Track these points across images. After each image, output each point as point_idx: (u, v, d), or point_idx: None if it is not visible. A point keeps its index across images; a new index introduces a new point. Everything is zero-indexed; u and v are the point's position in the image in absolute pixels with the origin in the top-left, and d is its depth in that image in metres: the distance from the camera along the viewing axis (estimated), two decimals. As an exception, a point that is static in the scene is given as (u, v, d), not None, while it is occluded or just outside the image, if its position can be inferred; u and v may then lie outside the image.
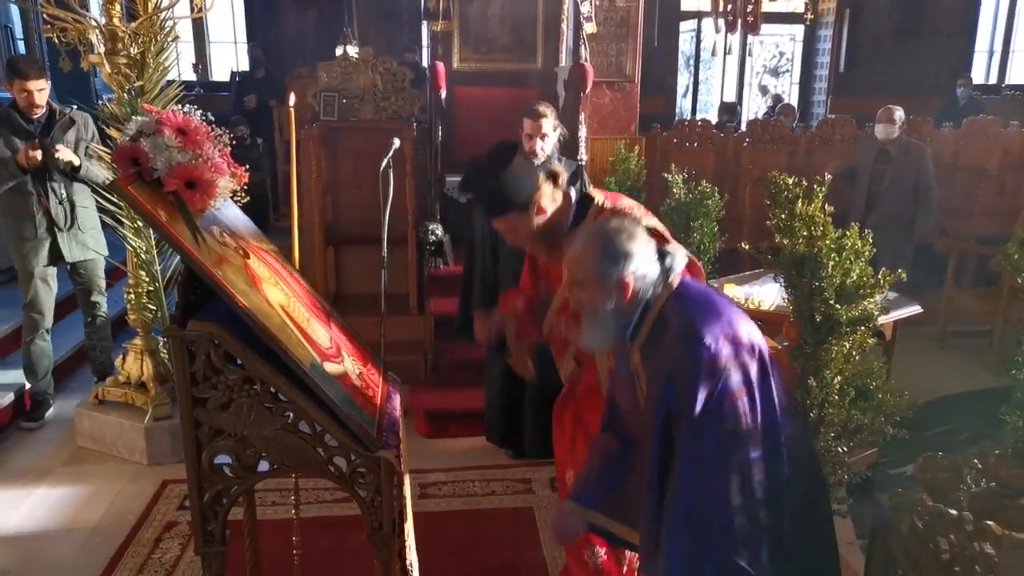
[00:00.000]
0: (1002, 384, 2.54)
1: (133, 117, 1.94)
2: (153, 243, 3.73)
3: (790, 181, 2.58)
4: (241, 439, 1.76)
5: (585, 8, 5.22)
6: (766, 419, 1.69)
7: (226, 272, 1.74)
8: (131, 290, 3.81)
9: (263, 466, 1.81)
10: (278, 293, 1.94)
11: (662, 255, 1.80)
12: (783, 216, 2.57)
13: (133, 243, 3.71)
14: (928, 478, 1.87)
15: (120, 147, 1.83)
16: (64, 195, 3.93)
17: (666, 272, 1.79)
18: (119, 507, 3.42)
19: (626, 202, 2.30)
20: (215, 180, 1.83)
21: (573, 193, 2.30)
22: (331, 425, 1.75)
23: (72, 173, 3.88)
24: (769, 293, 3.75)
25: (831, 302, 2.51)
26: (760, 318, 3.14)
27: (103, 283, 4.28)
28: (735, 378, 1.66)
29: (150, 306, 3.82)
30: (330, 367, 1.87)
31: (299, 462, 1.80)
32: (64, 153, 3.77)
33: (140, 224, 3.64)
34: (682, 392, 1.65)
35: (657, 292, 1.78)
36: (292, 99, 2.77)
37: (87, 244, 4.06)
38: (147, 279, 3.79)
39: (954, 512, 1.77)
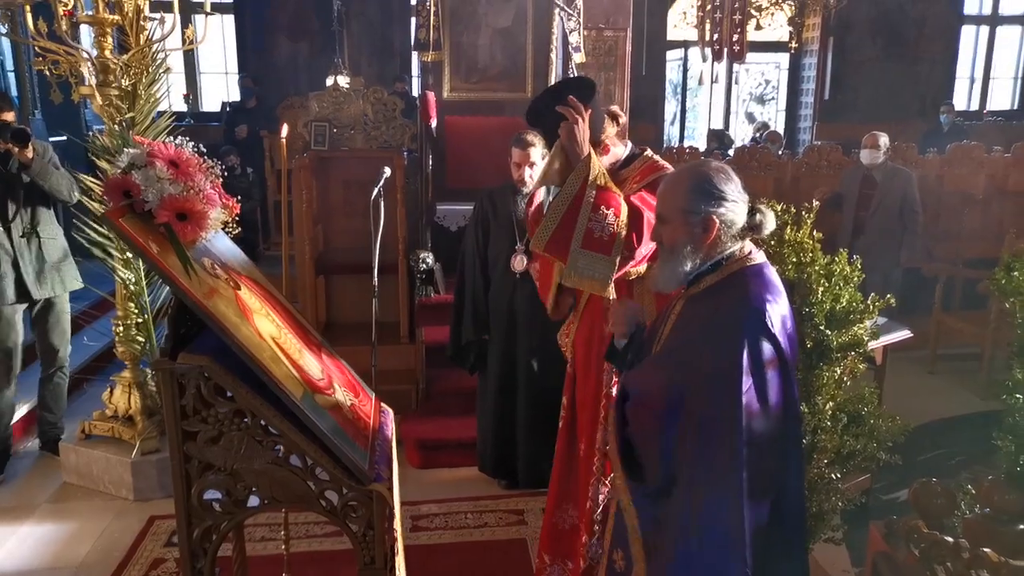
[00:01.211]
0: (991, 408, 2.55)
1: (125, 149, 1.94)
2: (142, 274, 3.71)
3: (778, 208, 2.60)
4: (232, 473, 1.74)
5: (573, 38, 5.30)
6: (788, 421, 1.68)
7: (217, 304, 1.73)
8: (119, 322, 3.77)
9: (253, 501, 1.79)
10: (269, 325, 1.93)
11: (753, 211, 1.74)
12: (772, 242, 2.59)
13: (122, 274, 3.68)
14: (923, 504, 1.86)
15: (111, 179, 1.83)
16: (28, 226, 3.73)
17: (754, 228, 1.73)
18: (104, 544, 3.35)
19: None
20: (207, 212, 1.83)
21: (629, 144, 2.31)
22: (322, 458, 1.74)
23: (25, 165, 3.59)
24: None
25: (821, 328, 2.52)
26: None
27: (68, 326, 4.01)
28: (773, 376, 1.64)
29: (139, 338, 3.78)
30: (321, 399, 1.86)
31: (290, 496, 1.78)
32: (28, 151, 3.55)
33: (129, 255, 3.61)
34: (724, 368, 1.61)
35: (734, 252, 1.73)
36: (285, 130, 2.79)
37: (54, 280, 3.82)
38: (136, 311, 3.76)
39: (950, 539, 1.76)
